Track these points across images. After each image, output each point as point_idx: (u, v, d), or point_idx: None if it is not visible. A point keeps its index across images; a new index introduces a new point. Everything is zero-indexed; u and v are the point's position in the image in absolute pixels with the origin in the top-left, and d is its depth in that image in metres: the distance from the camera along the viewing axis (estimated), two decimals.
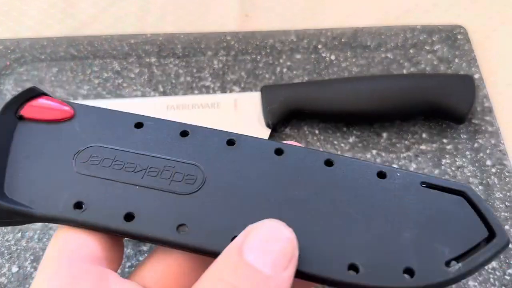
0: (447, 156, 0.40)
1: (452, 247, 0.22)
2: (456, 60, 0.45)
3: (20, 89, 0.42)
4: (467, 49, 0.46)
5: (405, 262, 0.21)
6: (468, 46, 0.46)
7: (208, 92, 0.44)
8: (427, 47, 0.46)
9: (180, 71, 0.45)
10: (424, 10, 0.50)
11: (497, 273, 0.35)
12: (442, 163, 0.40)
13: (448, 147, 0.40)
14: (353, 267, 0.21)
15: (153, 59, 0.46)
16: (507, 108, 0.43)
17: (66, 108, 0.25)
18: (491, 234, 0.22)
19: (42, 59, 0.45)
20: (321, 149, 0.40)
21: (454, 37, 0.46)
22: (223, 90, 0.44)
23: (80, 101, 0.42)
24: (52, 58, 0.46)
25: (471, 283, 0.34)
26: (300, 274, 0.20)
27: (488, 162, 0.40)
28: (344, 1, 0.51)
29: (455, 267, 0.21)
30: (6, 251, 0.36)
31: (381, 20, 0.49)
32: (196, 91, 0.44)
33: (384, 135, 0.41)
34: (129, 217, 0.22)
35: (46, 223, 0.37)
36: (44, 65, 0.45)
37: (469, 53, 0.45)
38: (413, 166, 0.39)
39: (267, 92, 0.40)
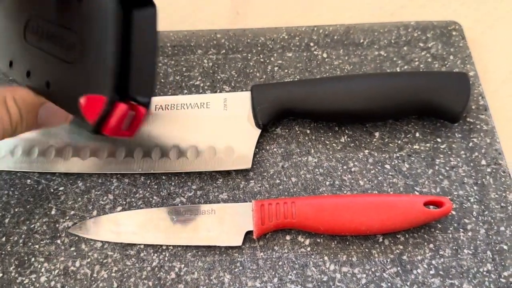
0: (441, 155, 0.39)
1: None
2: (451, 58, 0.44)
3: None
4: (462, 46, 0.45)
5: None
6: (463, 43, 0.45)
7: (197, 92, 0.43)
8: (421, 44, 0.45)
9: (169, 70, 0.44)
10: (419, 5, 0.49)
11: (492, 275, 0.34)
12: (436, 162, 0.39)
13: (442, 146, 0.40)
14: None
15: None
16: (503, 106, 0.42)
17: None
18: None
19: None
20: (312, 150, 0.39)
21: (448, 33, 0.45)
22: (213, 89, 0.43)
23: None
24: None
25: (465, 286, 0.34)
26: None
27: (483, 162, 0.39)
28: None
29: None
30: None
31: (375, 17, 0.48)
32: (185, 91, 0.43)
33: (377, 134, 0.40)
34: None
35: (32, 229, 0.36)
36: None
37: (464, 50, 0.44)
38: (406, 166, 0.39)
39: (257, 92, 0.39)
